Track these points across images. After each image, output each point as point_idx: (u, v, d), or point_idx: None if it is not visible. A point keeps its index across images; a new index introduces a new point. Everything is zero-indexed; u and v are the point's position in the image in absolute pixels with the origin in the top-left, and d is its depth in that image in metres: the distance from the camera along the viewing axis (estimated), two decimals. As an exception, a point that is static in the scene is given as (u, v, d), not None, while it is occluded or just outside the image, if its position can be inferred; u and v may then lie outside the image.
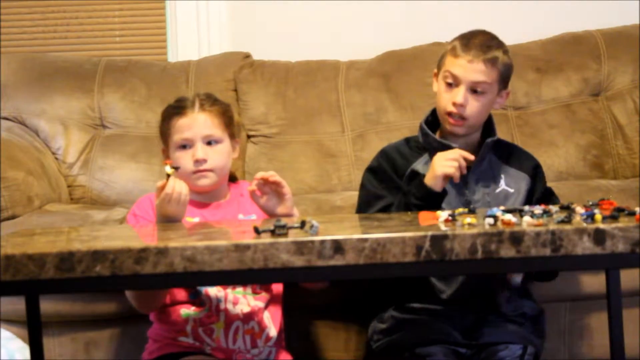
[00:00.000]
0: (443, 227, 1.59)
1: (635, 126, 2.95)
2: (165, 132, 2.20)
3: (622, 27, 3.12)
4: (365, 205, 2.24)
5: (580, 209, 1.73)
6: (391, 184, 2.22)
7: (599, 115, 2.99)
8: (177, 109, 2.19)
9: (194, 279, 1.58)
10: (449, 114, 2.18)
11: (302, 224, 1.63)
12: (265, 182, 2.04)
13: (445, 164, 2.08)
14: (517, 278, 2.16)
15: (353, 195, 2.62)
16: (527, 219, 1.60)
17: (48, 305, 2.27)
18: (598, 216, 1.59)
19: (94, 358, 2.42)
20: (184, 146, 2.15)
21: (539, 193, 2.25)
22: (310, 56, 3.18)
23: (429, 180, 2.10)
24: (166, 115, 2.21)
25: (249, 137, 3.05)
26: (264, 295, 2.13)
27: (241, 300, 2.09)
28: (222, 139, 2.18)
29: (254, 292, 2.12)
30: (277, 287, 2.18)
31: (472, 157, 2.12)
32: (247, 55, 3.19)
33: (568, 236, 1.52)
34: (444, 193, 2.10)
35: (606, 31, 3.11)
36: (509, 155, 2.29)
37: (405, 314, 2.17)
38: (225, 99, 3.03)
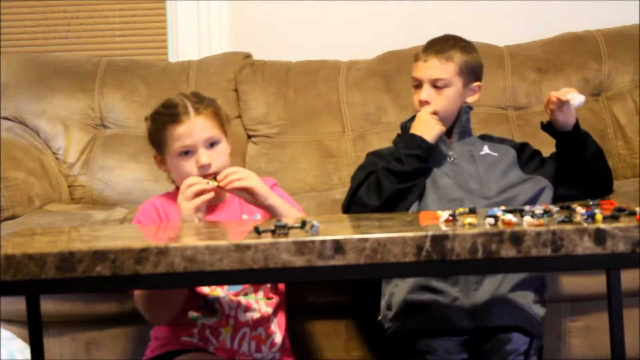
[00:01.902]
0: (443, 227, 1.59)
1: (635, 126, 2.95)
2: (159, 140, 2.13)
3: (622, 27, 3.12)
4: (355, 185, 2.31)
5: (580, 209, 1.73)
6: None
7: (599, 115, 2.99)
8: (171, 116, 2.11)
9: (194, 279, 1.58)
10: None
11: (303, 224, 1.63)
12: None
13: (432, 124, 2.29)
14: (576, 101, 2.24)
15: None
16: (527, 219, 1.60)
17: (48, 305, 2.27)
18: (599, 216, 1.59)
19: (94, 358, 2.42)
20: (185, 152, 2.10)
21: (534, 164, 2.37)
22: (311, 56, 3.18)
23: (421, 130, 2.28)
24: (159, 124, 2.13)
25: (249, 137, 3.05)
26: (275, 301, 2.11)
27: (253, 305, 2.07)
28: (221, 138, 2.14)
29: (267, 297, 2.11)
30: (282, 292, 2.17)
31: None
32: (248, 55, 3.19)
33: (569, 236, 1.52)
34: (433, 145, 2.28)
35: (606, 31, 3.10)
36: (490, 138, 2.44)
37: (414, 294, 2.15)
38: (226, 99, 3.07)
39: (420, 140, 2.26)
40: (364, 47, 3.21)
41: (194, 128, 2.09)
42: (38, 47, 3.43)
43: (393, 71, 3.07)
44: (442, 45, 2.34)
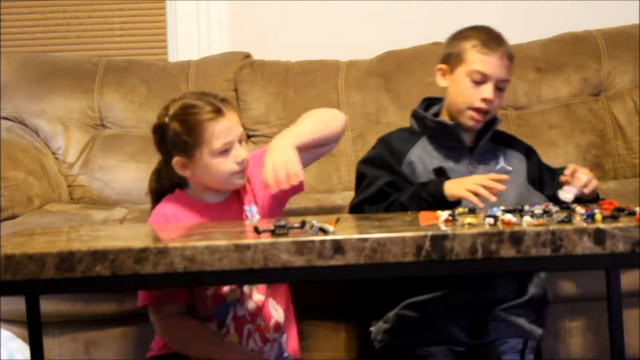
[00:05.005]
0: (443, 227, 1.59)
1: (635, 126, 2.95)
2: (192, 141, 2.00)
3: (622, 27, 3.12)
4: (365, 187, 2.19)
5: (580, 209, 1.73)
6: (389, 169, 2.20)
7: (599, 115, 2.99)
8: (213, 112, 1.99)
9: (194, 279, 1.58)
10: (476, 109, 2.17)
11: (303, 224, 1.63)
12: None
13: (470, 188, 1.99)
14: (569, 194, 2.05)
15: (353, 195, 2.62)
16: (527, 218, 1.60)
17: (48, 305, 2.27)
18: (598, 216, 1.59)
19: (94, 358, 2.42)
20: (224, 150, 2.01)
21: (536, 173, 2.25)
22: (310, 56, 3.18)
23: (450, 187, 2.04)
24: (193, 124, 1.99)
25: (249, 137, 3.05)
26: (263, 286, 2.08)
27: (247, 298, 2.05)
28: None
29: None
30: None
31: (501, 188, 1.99)
32: (247, 55, 3.20)
33: (568, 236, 1.52)
34: (453, 203, 2.03)
35: (606, 31, 3.11)
36: (502, 139, 2.30)
37: (410, 311, 2.14)
38: (226, 99, 3.08)
39: (441, 196, 2.03)
40: (364, 47, 3.21)
41: (233, 123, 2.02)
42: (38, 47, 3.43)
43: (393, 71, 3.07)
44: (504, 40, 2.19)
